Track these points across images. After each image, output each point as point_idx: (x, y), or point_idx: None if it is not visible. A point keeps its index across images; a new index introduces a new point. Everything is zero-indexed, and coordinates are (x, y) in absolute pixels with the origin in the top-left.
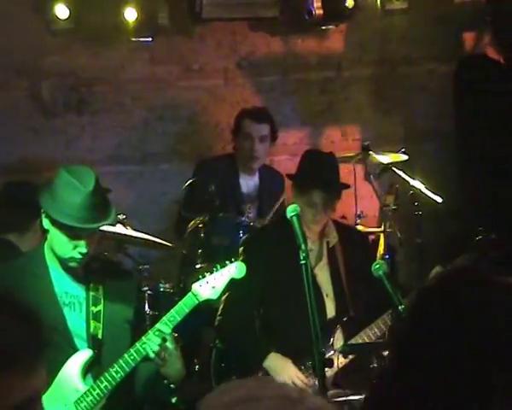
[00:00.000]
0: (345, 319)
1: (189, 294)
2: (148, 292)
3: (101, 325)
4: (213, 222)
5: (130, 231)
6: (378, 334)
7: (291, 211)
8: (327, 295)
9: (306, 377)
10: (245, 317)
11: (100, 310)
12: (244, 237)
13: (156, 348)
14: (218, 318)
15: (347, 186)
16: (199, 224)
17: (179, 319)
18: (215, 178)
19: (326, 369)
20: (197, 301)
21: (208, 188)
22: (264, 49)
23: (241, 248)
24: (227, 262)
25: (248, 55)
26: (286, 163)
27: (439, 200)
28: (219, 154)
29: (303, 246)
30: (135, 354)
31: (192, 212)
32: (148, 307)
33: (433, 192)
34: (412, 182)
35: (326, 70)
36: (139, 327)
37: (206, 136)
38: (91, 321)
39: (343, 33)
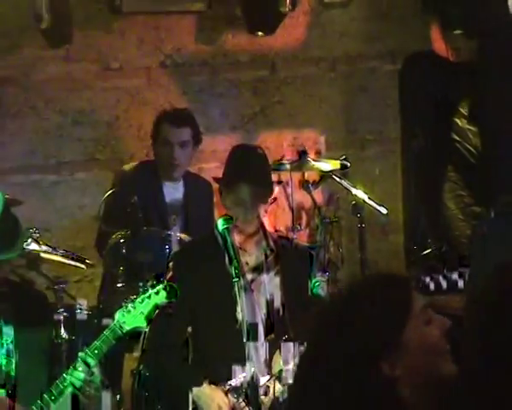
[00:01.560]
0: (283, 339)
1: (115, 322)
2: (64, 314)
3: (13, 360)
4: (136, 236)
5: (44, 248)
6: None
7: (222, 224)
8: (263, 314)
9: (240, 407)
10: (173, 339)
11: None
12: (172, 253)
13: (80, 384)
14: (143, 340)
15: (279, 182)
16: (120, 239)
17: (105, 350)
18: (137, 189)
19: (261, 397)
20: (123, 332)
21: (130, 199)
22: (191, 47)
23: (169, 264)
24: (156, 284)
25: (173, 52)
26: (216, 171)
27: (384, 211)
28: (142, 161)
29: (235, 262)
30: (56, 394)
31: (112, 225)
32: (65, 332)
33: (376, 202)
34: (354, 191)
35: (259, 69)
36: (55, 355)
37: (128, 142)
38: (2, 357)
39: (277, 29)
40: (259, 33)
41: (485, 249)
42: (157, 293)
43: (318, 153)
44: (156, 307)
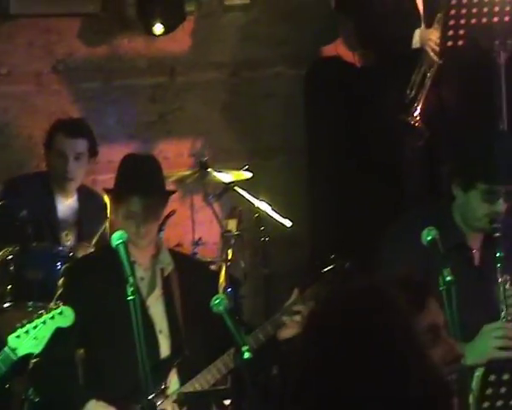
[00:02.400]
0: (180, 359)
1: (6, 349)
2: None
3: None
4: (25, 253)
5: None
6: (217, 376)
7: (117, 238)
8: (160, 332)
9: None
10: (64, 360)
11: None
12: (64, 268)
13: None
14: (32, 362)
15: (172, 192)
16: (8, 255)
17: None
18: (27, 202)
19: None
20: (15, 358)
21: (19, 213)
22: (84, 51)
23: (60, 281)
24: (52, 309)
25: (65, 57)
26: (111, 183)
27: (288, 224)
28: (32, 172)
29: (131, 279)
30: None
31: (0, 241)
32: None
33: (280, 215)
34: (257, 203)
35: (157, 75)
36: None
37: (17, 151)
38: None
39: (176, 33)
40: (158, 31)
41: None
42: (52, 318)
43: (220, 163)
44: (51, 331)
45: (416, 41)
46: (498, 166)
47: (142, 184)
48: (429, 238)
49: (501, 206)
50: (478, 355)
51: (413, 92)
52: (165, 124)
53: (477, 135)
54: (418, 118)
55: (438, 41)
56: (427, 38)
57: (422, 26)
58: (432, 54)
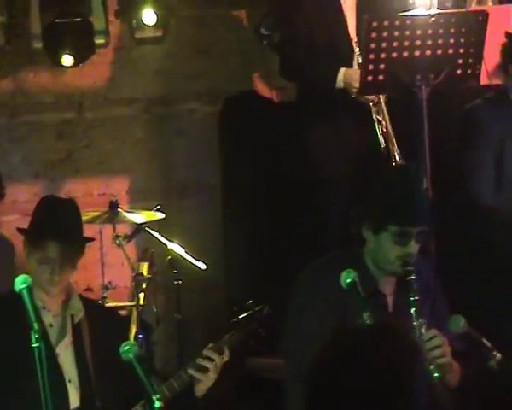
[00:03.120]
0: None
1: None
2: None
3: None
4: None
5: None
6: None
7: (20, 282)
8: (70, 381)
9: None
10: None
11: None
12: None
13: None
14: None
15: (91, 239)
16: None
17: None
18: None
19: None
20: None
21: None
22: None
23: None
24: None
25: None
26: (16, 224)
27: (203, 266)
28: None
29: (35, 325)
30: None
31: None
32: None
33: (194, 257)
34: (170, 245)
35: (64, 111)
36: None
37: None
38: None
39: (85, 67)
40: (67, 63)
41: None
42: None
43: (131, 202)
44: None
45: (339, 80)
46: (409, 207)
47: (60, 229)
48: (349, 281)
49: (413, 248)
50: None
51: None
52: (72, 162)
53: (385, 176)
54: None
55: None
56: (349, 77)
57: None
58: (353, 90)
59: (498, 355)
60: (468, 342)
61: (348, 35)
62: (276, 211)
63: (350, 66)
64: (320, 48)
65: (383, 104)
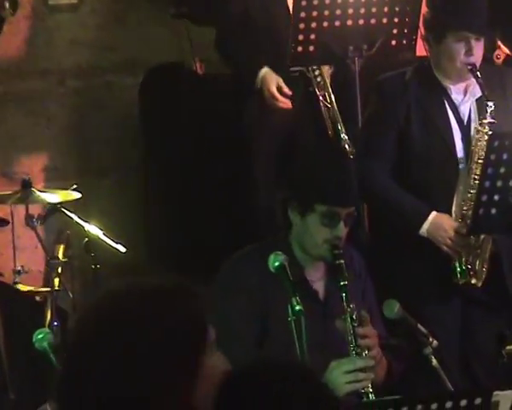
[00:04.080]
0: (3, 404)
1: None
2: None
3: None
4: None
5: None
6: None
7: None
8: None
9: None
10: None
11: None
12: None
13: None
14: None
15: (3, 222)
16: None
17: None
18: None
19: None
20: None
21: None
22: None
23: None
24: None
25: None
26: None
27: (122, 249)
28: None
29: None
30: None
31: None
32: None
33: (113, 240)
34: (87, 227)
35: None
36: None
37: None
38: None
39: None
40: None
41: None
42: None
43: (45, 181)
44: None
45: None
46: (338, 186)
47: None
48: (277, 264)
49: (342, 230)
50: None
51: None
52: None
53: (312, 153)
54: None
55: None
56: (267, 79)
57: None
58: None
59: (435, 342)
60: (402, 328)
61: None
62: (203, 192)
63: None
64: (256, 29)
65: (325, 78)
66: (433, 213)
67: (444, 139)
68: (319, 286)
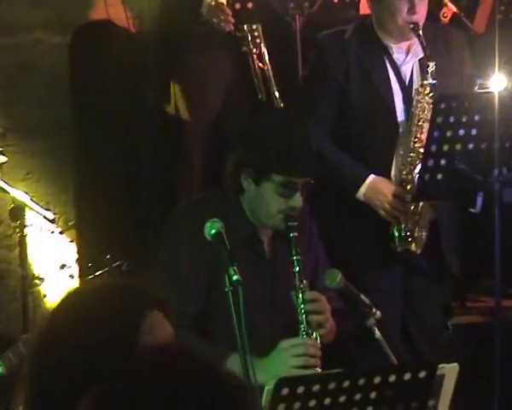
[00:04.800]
0: None
1: None
2: None
3: None
4: None
5: None
6: None
7: None
8: None
9: None
10: None
11: None
12: None
13: None
14: None
15: None
16: None
17: None
18: None
19: None
20: None
21: None
22: None
23: None
24: None
25: None
26: None
27: (51, 216)
28: None
29: None
30: None
31: None
32: None
33: (41, 206)
34: (13, 192)
35: None
36: None
37: None
38: None
39: None
40: None
41: None
42: None
43: None
44: None
45: (203, 8)
46: (295, 156)
47: None
48: (213, 232)
49: (298, 201)
50: (272, 374)
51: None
52: None
53: (268, 120)
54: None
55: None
56: (213, 6)
57: None
58: (222, 25)
59: (378, 313)
60: (345, 298)
61: None
62: (137, 154)
63: None
64: None
65: (261, 36)
66: (371, 177)
67: (384, 101)
68: (267, 247)
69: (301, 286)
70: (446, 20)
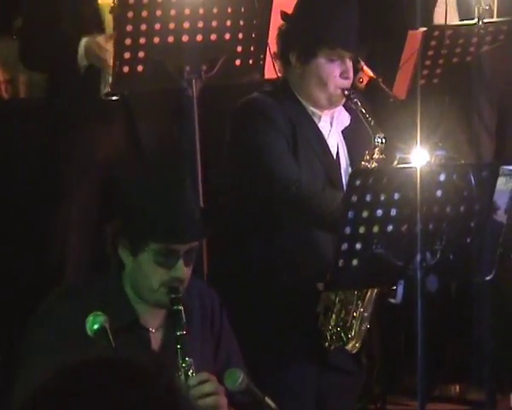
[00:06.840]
0: None
1: None
2: None
3: None
4: None
5: None
6: None
7: None
8: None
9: None
10: None
11: None
12: None
13: None
14: None
15: None
16: None
17: None
18: None
19: None
20: None
21: None
22: None
23: None
24: None
25: None
26: None
27: None
28: None
29: None
30: None
31: None
32: None
33: None
34: None
35: None
36: None
37: None
38: None
39: None
40: None
41: None
42: None
43: None
44: None
45: (81, 55)
46: (174, 218)
47: None
48: (96, 327)
49: (181, 270)
50: None
51: None
52: None
53: (141, 179)
54: None
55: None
56: (91, 47)
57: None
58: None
59: None
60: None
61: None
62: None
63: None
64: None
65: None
66: None
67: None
68: (156, 335)
69: (184, 365)
70: (362, 85)
